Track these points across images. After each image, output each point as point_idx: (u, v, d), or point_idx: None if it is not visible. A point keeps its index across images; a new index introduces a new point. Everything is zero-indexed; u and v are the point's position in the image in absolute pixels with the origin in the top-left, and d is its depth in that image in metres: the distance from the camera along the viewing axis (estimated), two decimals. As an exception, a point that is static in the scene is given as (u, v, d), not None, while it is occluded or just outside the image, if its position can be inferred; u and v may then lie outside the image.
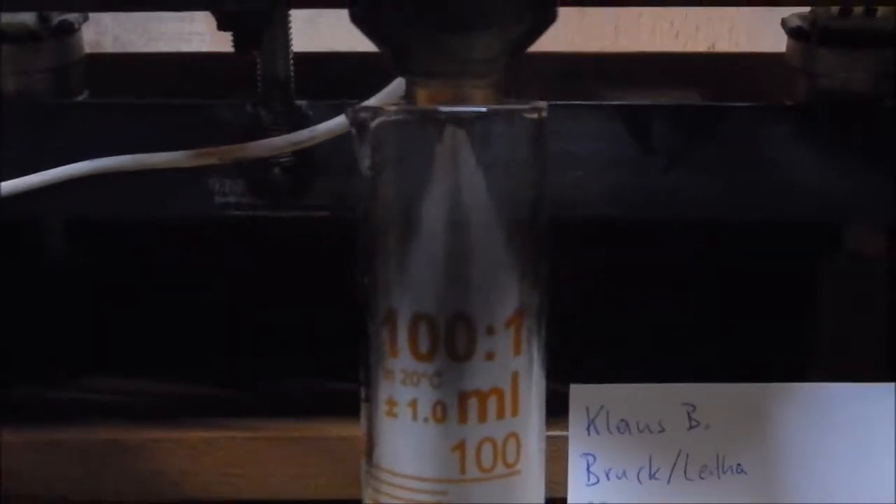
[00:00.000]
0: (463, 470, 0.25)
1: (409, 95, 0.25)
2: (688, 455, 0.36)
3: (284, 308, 0.43)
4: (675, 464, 0.36)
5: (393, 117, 0.24)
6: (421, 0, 0.23)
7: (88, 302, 0.43)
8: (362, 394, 0.26)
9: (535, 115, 0.24)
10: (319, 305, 0.41)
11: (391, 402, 0.25)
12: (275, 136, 0.35)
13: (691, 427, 0.36)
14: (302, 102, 0.36)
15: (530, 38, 0.24)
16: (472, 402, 0.25)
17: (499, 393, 0.25)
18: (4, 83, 0.37)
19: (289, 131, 0.35)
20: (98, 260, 0.43)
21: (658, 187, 0.37)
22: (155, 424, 0.41)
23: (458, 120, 0.24)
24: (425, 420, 0.25)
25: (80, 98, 0.39)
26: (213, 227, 0.39)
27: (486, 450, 0.25)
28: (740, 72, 0.43)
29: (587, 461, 0.36)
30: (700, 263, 0.41)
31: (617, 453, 0.35)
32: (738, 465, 0.36)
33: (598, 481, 0.36)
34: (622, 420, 0.35)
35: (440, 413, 0.25)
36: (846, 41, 0.38)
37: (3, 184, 0.31)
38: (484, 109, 0.24)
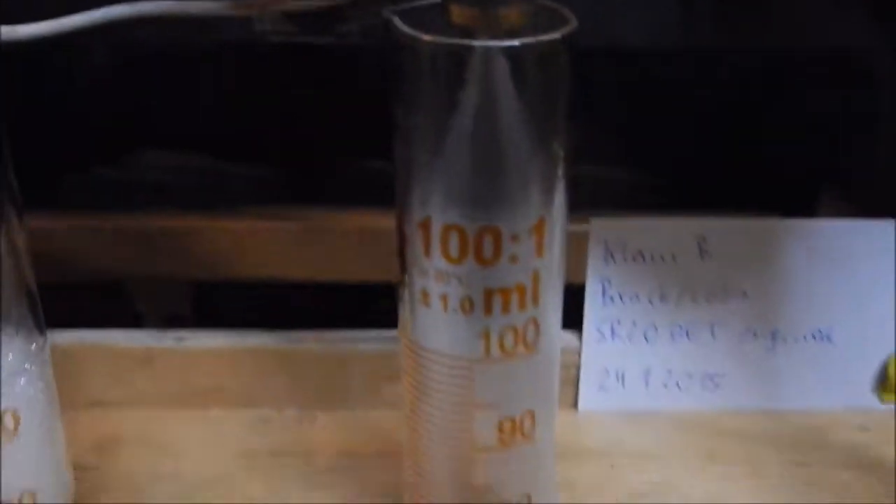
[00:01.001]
0: (487, 352, 0.28)
1: (443, 11, 0.26)
2: (696, 282, 0.39)
3: (318, 123, 0.45)
4: (683, 289, 0.39)
5: (426, 39, 0.26)
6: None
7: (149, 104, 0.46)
8: (400, 278, 0.29)
9: (559, 38, 0.26)
10: (351, 120, 0.43)
11: (425, 294, 0.28)
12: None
13: (701, 256, 0.39)
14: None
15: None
16: (497, 298, 0.28)
17: (521, 289, 0.28)
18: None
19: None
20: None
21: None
22: (203, 214, 0.45)
23: (488, 49, 0.25)
24: (455, 310, 0.28)
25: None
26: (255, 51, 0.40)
27: (508, 336, 0.28)
28: None
29: (603, 285, 0.39)
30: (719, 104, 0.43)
31: (631, 279, 0.39)
32: (743, 291, 0.39)
33: (612, 301, 0.39)
34: (638, 250, 0.38)
35: (468, 306, 0.28)
36: None
37: (69, 18, 0.33)
38: (516, 43, 0.25)
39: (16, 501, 0.31)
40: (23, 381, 0.30)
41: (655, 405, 0.40)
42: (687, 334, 0.39)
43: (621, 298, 0.39)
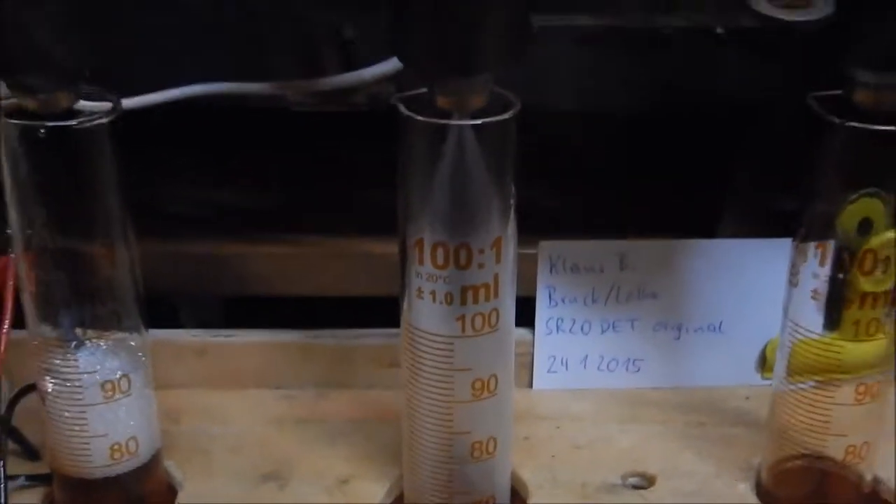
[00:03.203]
0: (463, 330, 0.40)
1: (430, 99, 0.39)
2: (618, 287, 0.51)
3: (333, 176, 0.58)
4: (609, 293, 0.51)
5: (420, 120, 0.38)
6: (439, 53, 0.36)
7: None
8: (400, 282, 0.41)
9: (509, 117, 0.38)
10: (356, 169, 0.56)
11: (419, 290, 0.40)
12: (330, 64, 0.48)
13: (622, 268, 0.51)
14: (351, 34, 0.49)
15: (507, 69, 0.38)
16: (470, 293, 0.40)
17: (486, 286, 0.40)
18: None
19: (339, 62, 0.48)
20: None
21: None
22: (247, 241, 0.55)
23: (461, 126, 0.37)
24: (440, 302, 0.40)
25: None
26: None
27: (478, 319, 0.40)
28: None
29: (549, 291, 0.51)
30: (631, 148, 0.56)
31: (570, 286, 0.51)
32: (653, 292, 0.51)
33: (557, 304, 0.52)
34: (574, 264, 0.51)
35: (450, 299, 0.40)
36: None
37: (163, 93, 0.45)
38: (479, 122, 0.38)
39: (123, 442, 0.43)
40: (139, 354, 0.42)
41: (592, 384, 0.53)
42: (613, 328, 0.52)
43: (563, 301, 0.51)
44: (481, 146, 0.38)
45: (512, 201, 0.39)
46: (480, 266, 0.39)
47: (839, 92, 0.40)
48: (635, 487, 0.47)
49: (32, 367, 0.42)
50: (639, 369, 0.52)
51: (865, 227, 0.43)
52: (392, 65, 0.46)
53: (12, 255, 0.43)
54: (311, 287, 0.55)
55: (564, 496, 0.46)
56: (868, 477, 0.46)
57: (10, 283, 0.45)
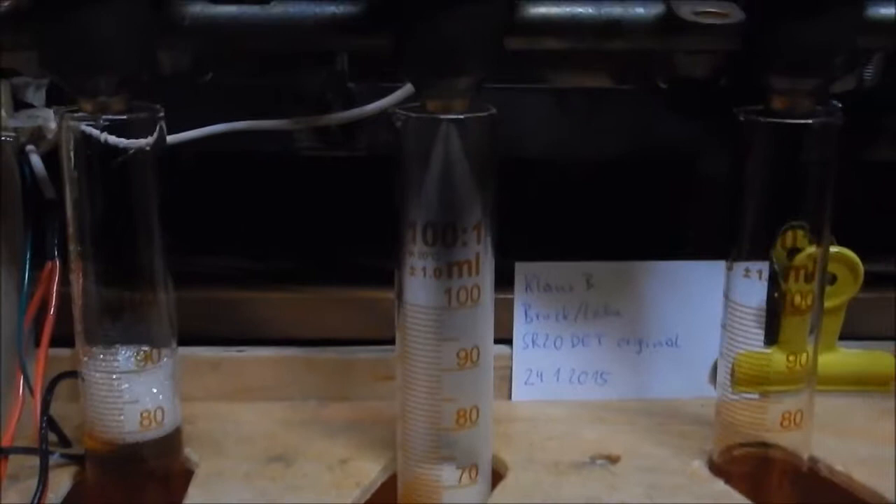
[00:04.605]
0: (449, 303, 0.47)
1: (420, 102, 0.47)
2: (586, 305, 0.58)
3: (336, 216, 0.65)
4: (578, 310, 0.58)
5: (414, 116, 0.46)
6: (427, 58, 0.45)
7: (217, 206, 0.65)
8: (396, 262, 0.48)
9: (489, 116, 0.46)
10: (360, 214, 0.63)
11: (412, 269, 0.47)
12: (335, 107, 0.56)
13: (588, 288, 0.58)
14: (352, 85, 0.58)
15: (490, 76, 0.46)
16: (455, 268, 0.47)
17: (469, 263, 0.47)
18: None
19: (343, 104, 0.56)
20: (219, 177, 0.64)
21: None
22: (254, 289, 0.63)
23: (448, 120, 0.45)
24: (430, 277, 0.47)
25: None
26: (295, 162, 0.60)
27: (462, 293, 0.47)
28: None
29: (525, 308, 0.58)
30: (598, 189, 0.64)
31: (543, 303, 0.58)
32: (617, 310, 0.58)
33: (532, 320, 0.58)
34: (546, 283, 0.58)
35: (438, 273, 0.47)
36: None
37: (179, 135, 0.53)
38: (461, 117, 0.46)
39: (152, 410, 0.49)
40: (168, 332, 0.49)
41: (564, 396, 0.59)
42: (582, 343, 0.59)
43: (538, 317, 0.58)
44: (464, 142, 0.46)
45: (490, 189, 0.47)
46: (464, 244, 0.47)
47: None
48: (602, 465, 0.52)
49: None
50: (606, 381, 0.59)
51: (793, 252, 0.50)
52: (388, 101, 0.54)
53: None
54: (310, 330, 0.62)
55: (539, 472, 0.52)
56: (805, 456, 0.52)
57: (55, 283, 0.52)
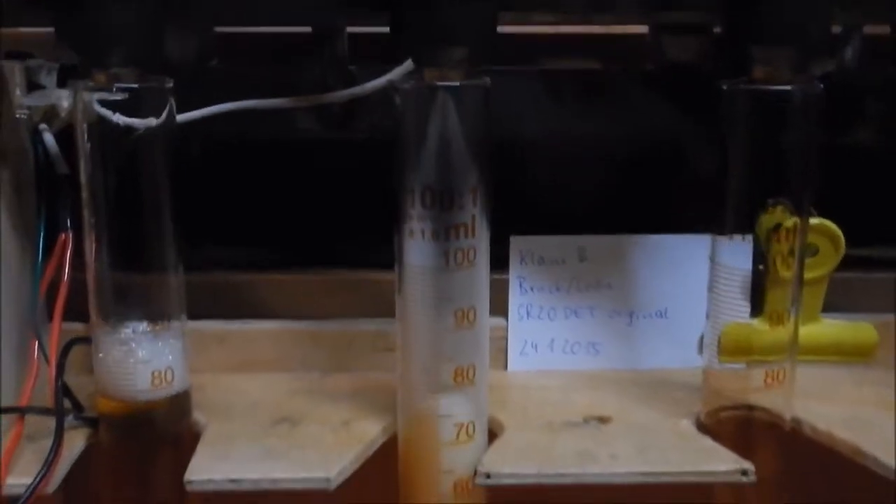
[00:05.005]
0: (447, 264, 0.49)
1: (418, 72, 0.49)
2: (578, 277, 0.61)
3: (337, 197, 0.67)
4: (570, 282, 0.61)
5: (412, 86, 0.48)
6: (425, 30, 0.47)
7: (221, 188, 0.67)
8: (395, 226, 0.50)
9: (483, 85, 0.49)
10: (358, 195, 0.65)
11: (411, 231, 0.49)
12: (336, 89, 0.59)
13: (581, 261, 0.60)
14: (352, 67, 0.60)
15: (483, 48, 0.48)
16: (452, 231, 0.49)
17: (465, 226, 0.49)
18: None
19: (344, 87, 0.59)
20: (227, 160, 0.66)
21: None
22: (256, 271, 0.64)
23: (444, 88, 0.48)
24: (428, 239, 0.49)
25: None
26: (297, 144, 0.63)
27: (459, 254, 0.49)
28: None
29: (520, 281, 0.60)
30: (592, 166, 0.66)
31: (537, 276, 0.60)
32: (608, 283, 0.61)
33: (526, 292, 0.61)
34: (541, 256, 0.60)
35: (436, 235, 0.49)
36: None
37: (185, 115, 0.55)
38: (457, 84, 0.48)
39: (162, 370, 0.51)
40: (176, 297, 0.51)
41: (558, 366, 0.61)
42: (575, 314, 0.61)
43: (532, 290, 0.61)
44: (459, 109, 0.48)
45: (485, 153, 0.49)
46: (461, 208, 0.49)
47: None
48: (594, 425, 0.55)
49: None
50: (598, 352, 0.61)
51: (775, 224, 0.53)
52: (388, 77, 0.57)
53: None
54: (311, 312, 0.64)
55: (534, 431, 0.54)
56: (788, 417, 0.54)
57: (68, 254, 0.54)
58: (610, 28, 0.63)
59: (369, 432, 0.54)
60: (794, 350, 0.53)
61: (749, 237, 0.52)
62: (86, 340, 0.53)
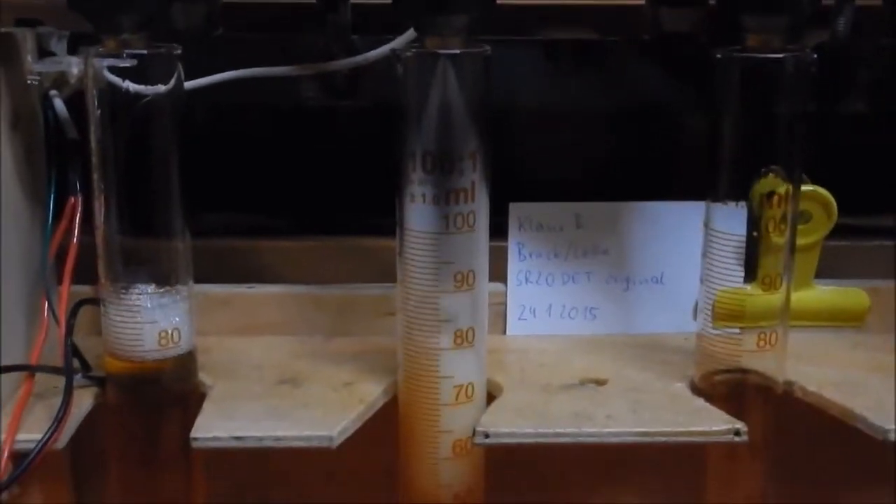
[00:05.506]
0: (447, 228, 0.50)
1: (419, 41, 0.50)
2: (576, 243, 0.62)
3: (341, 165, 0.68)
4: (568, 248, 0.62)
5: (414, 53, 0.50)
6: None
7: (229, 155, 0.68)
8: (397, 190, 0.51)
9: (483, 52, 0.50)
10: (361, 163, 0.67)
11: (412, 195, 0.51)
12: (339, 58, 0.60)
13: (578, 227, 0.62)
14: (355, 37, 0.62)
15: (483, 17, 0.49)
16: (452, 195, 0.50)
17: (465, 191, 0.50)
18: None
19: (347, 56, 0.60)
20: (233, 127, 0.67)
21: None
22: (263, 238, 0.66)
23: (445, 56, 0.49)
24: (429, 203, 0.50)
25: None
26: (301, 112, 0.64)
27: (459, 219, 0.50)
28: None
29: (518, 247, 0.62)
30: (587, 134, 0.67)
31: (535, 242, 0.62)
32: (605, 249, 0.62)
33: (525, 258, 0.62)
34: (539, 223, 0.61)
35: (437, 199, 0.50)
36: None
37: (190, 83, 0.56)
38: (458, 52, 0.49)
39: (169, 331, 0.52)
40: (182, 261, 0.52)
41: (556, 330, 0.62)
42: (573, 280, 0.62)
43: (531, 256, 0.62)
44: (459, 76, 0.49)
45: (483, 119, 0.50)
46: (460, 172, 0.50)
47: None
48: (590, 387, 0.56)
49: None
50: (595, 317, 0.62)
51: (769, 192, 0.54)
52: (391, 46, 0.58)
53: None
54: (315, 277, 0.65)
55: (531, 392, 0.55)
56: (780, 380, 0.55)
57: (77, 216, 0.55)
58: (607, -1, 0.64)
59: (371, 393, 0.55)
60: (787, 314, 0.55)
61: (743, 204, 0.53)
62: (94, 302, 0.54)
